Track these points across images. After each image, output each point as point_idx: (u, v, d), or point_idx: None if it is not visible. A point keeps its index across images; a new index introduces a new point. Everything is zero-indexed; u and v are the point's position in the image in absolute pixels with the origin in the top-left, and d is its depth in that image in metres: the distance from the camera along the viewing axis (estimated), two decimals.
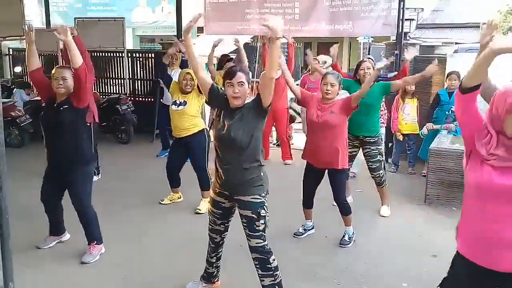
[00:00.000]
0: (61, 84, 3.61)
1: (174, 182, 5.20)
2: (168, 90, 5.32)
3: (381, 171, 4.81)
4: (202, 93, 4.84)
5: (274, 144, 8.06)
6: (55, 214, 4.05)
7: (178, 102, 4.92)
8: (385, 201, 5.02)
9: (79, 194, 3.77)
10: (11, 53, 11.11)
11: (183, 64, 7.41)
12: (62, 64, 7.45)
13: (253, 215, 2.96)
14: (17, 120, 7.66)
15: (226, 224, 3.22)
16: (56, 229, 4.13)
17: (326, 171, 4.12)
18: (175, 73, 7.20)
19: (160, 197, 5.29)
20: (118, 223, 4.68)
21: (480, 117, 2.02)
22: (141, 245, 4.22)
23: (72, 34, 3.60)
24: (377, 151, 4.77)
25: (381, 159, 4.82)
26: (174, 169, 5.11)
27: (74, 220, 3.92)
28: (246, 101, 2.95)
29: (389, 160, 6.82)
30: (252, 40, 19.21)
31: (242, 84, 2.86)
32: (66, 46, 3.50)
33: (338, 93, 4.03)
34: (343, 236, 4.25)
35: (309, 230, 4.48)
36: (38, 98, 8.37)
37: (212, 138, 3.40)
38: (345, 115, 3.99)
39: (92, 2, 11.79)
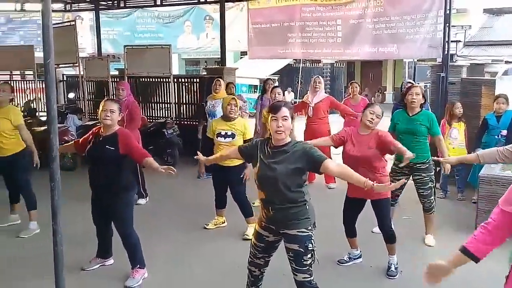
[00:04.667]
0: (108, 116, 3.79)
1: (221, 203, 5.24)
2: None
3: (431, 197, 4.68)
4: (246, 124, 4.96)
5: None
6: (105, 238, 4.20)
7: (224, 133, 4.92)
8: (431, 229, 4.85)
9: (119, 219, 3.92)
10: (65, 79, 11.71)
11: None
12: (113, 90, 7.76)
13: (301, 249, 2.92)
14: None
15: (266, 259, 3.19)
16: (103, 252, 4.26)
17: (369, 200, 4.06)
18: (218, 106, 7.19)
19: (204, 221, 5.35)
20: (162, 247, 4.78)
21: None
22: (184, 271, 4.27)
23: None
24: (428, 178, 4.63)
25: (432, 185, 4.68)
26: (221, 192, 5.16)
27: (119, 244, 4.03)
28: (292, 143, 2.94)
29: (437, 185, 6.61)
30: (295, 61, 19.40)
31: (285, 119, 2.87)
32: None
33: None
34: (389, 267, 4.14)
35: (355, 259, 4.39)
36: (90, 123, 8.78)
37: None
38: (382, 153, 3.94)
39: (140, 30, 12.28)
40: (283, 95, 7.21)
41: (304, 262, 2.93)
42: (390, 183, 4.05)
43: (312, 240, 2.95)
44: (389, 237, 4.11)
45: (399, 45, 7.63)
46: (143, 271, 4.02)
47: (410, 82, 6.30)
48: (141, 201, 6.19)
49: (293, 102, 7.95)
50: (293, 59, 17.43)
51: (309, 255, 2.93)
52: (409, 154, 3.84)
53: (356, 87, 7.57)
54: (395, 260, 4.16)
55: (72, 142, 4.17)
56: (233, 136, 4.89)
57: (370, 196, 3.97)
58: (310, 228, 2.96)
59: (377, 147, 3.87)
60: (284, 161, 2.87)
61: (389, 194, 4.02)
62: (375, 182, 3.78)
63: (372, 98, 19.38)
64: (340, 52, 8.61)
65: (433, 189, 4.69)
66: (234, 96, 5.01)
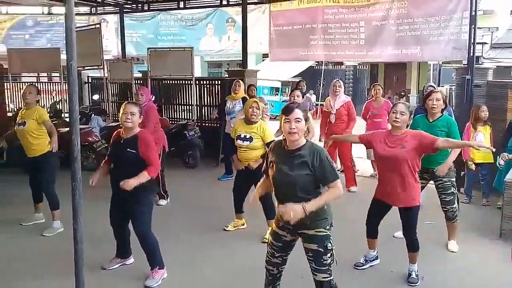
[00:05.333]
0: (128, 119, 3.85)
1: (240, 207, 5.23)
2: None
3: (454, 205, 4.54)
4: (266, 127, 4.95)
5: (338, 170, 7.91)
6: (122, 238, 4.24)
7: (244, 136, 4.92)
8: (454, 235, 4.74)
9: (138, 220, 3.95)
10: (90, 81, 11.93)
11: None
12: (136, 91, 7.82)
13: (320, 249, 2.94)
14: (94, 145, 8.14)
15: (284, 257, 3.19)
16: (122, 252, 4.31)
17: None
18: (237, 106, 7.33)
19: (224, 223, 5.36)
20: (182, 248, 4.80)
21: None
22: (203, 272, 4.28)
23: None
24: (450, 183, 4.51)
25: (454, 191, 4.55)
26: (240, 197, 5.13)
27: (139, 244, 4.05)
28: (308, 146, 2.94)
29: (461, 190, 6.49)
30: (317, 63, 19.32)
31: (299, 121, 2.87)
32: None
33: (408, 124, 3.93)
34: (410, 274, 4.05)
35: (372, 261, 4.32)
36: (114, 124, 8.91)
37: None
38: (418, 154, 3.83)
39: (163, 33, 12.48)
40: (302, 97, 7.19)
41: (324, 262, 2.95)
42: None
43: (331, 240, 2.97)
44: (413, 246, 4.00)
45: (422, 47, 7.52)
46: (163, 271, 4.05)
47: (431, 86, 6.20)
48: (162, 202, 6.25)
49: (314, 105, 7.92)
50: (315, 62, 17.36)
51: (328, 255, 2.95)
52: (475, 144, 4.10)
53: (379, 90, 7.48)
54: (416, 267, 4.06)
55: (103, 164, 4.16)
56: (250, 139, 4.88)
57: (399, 203, 3.91)
58: (328, 227, 2.98)
59: (415, 149, 3.78)
60: (300, 167, 2.87)
61: (418, 201, 3.93)
62: (412, 186, 3.83)
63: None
64: (363, 54, 8.54)
65: (455, 196, 4.57)
66: (256, 99, 5.00)
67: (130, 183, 3.71)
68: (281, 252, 3.15)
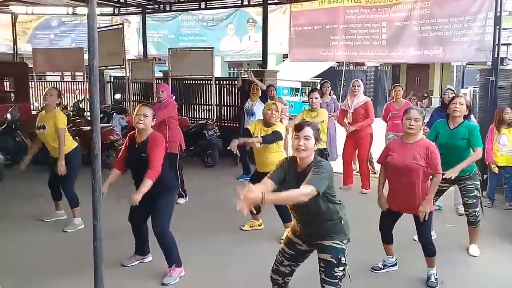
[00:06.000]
0: (141, 120, 3.90)
1: (256, 210, 5.18)
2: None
3: (477, 209, 4.43)
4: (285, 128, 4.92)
5: (354, 170, 7.81)
6: (140, 235, 4.30)
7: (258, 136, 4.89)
8: (475, 239, 4.63)
9: (158, 219, 3.98)
10: (112, 81, 12.12)
11: (263, 95, 7.69)
12: (157, 87, 7.89)
13: (333, 260, 2.88)
14: (115, 144, 8.26)
15: (293, 267, 3.11)
16: (141, 249, 4.36)
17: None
18: (256, 105, 7.47)
19: (241, 222, 5.38)
20: (199, 246, 4.82)
21: None
22: (221, 270, 4.30)
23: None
24: (473, 185, 4.41)
25: (478, 194, 4.45)
26: None
27: (157, 242, 4.09)
28: (315, 163, 2.87)
29: (484, 194, 6.37)
30: (337, 64, 19.19)
31: (308, 138, 2.85)
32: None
33: (422, 130, 3.86)
34: (429, 277, 3.99)
35: (390, 266, 4.27)
36: None
37: None
38: (427, 165, 3.75)
39: (184, 33, 12.58)
40: (323, 98, 7.17)
41: (335, 274, 2.88)
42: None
43: (345, 255, 2.92)
44: (429, 250, 3.94)
45: (445, 48, 7.41)
46: (180, 269, 4.08)
47: (450, 89, 6.08)
48: (181, 201, 6.30)
49: (338, 107, 7.88)
50: (336, 62, 17.25)
51: (340, 268, 2.88)
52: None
53: (399, 91, 7.40)
54: (434, 271, 4.00)
55: (114, 168, 4.18)
56: None
57: (410, 211, 3.86)
58: (345, 242, 2.94)
59: (425, 161, 3.72)
60: None
61: (432, 207, 3.87)
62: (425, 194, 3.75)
63: (418, 103, 18.84)
64: (385, 55, 8.45)
65: (479, 200, 4.46)
66: (275, 102, 5.00)
67: (136, 198, 3.72)
68: (291, 261, 3.09)
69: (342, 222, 2.95)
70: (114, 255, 4.30)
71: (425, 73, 22.60)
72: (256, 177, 5.11)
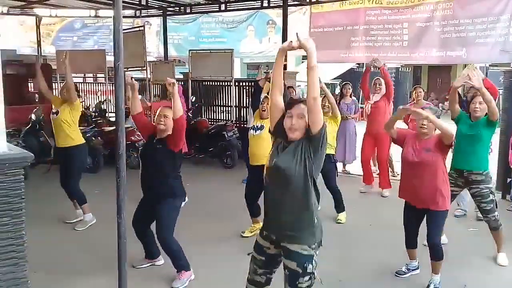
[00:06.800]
0: (161, 121, 3.91)
1: (254, 211, 5.07)
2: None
3: (496, 213, 4.31)
4: None
5: (374, 173, 7.73)
6: (145, 240, 4.24)
7: (256, 126, 4.86)
8: (502, 247, 4.46)
9: (161, 226, 3.95)
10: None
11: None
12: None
13: (298, 269, 2.55)
14: (136, 144, 8.36)
15: (268, 275, 2.77)
16: (149, 253, 4.33)
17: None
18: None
19: (243, 226, 5.21)
20: (198, 249, 4.62)
21: None
22: (229, 275, 4.14)
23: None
24: (487, 189, 4.28)
25: (493, 198, 4.32)
26: (252, 199, 4.98)
27: None
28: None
29: (507, 197, 6.25)
30: (357, 65, 19.07)
31: (301, 117, 2.54)
32: (172, 98, 3.83)
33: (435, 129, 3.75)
34: (428, 286, 3.87)
35: (413, 270, 4.20)
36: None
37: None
38: (441, 153, 3.70)
39: (204, 35, 12.66)
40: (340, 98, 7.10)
41: (299, 285, 2.55)
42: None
43: (313, 262, 2.58)
44: (436, 253, 3.82)
45: (468, 49, 7.31)
46: (189, 273, 4.03)
47: (473, 87, 5.96)
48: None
49: (358, 109, 7.83)
50: (356, 64, 17.16)
51: (306, 278, 2.55)
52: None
53: (420, 92, 7.31)
54: (437, 280, 3.87)
55: (141, 111, 4.12)
56: (262, 128, 4.81)
57: (423, 204, 3.78)
58: (313, 246, 2.59)
59: (437, 144, 3.66)
60: (293, 151, 2.55)
61: (446, 206, 3.77)
62: (438, 189, 3.68)
63: (440, 105, 18.57)
64: (406, 56, 8.39)
65: (495, 202, 4.32)
66: (267, 95, 4.81)
67: (170, 80, 3.77)
68: (265, 269, 2.75)
69: (315, 220, 2.60)
70: (103, 260, 4.28)
71: (447, 75, 22.26)
72: (252, 175, 4.98)
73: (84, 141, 5.52)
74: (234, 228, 5.30)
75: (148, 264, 4.35)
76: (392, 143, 6.93)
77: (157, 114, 4.00)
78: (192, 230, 5.14)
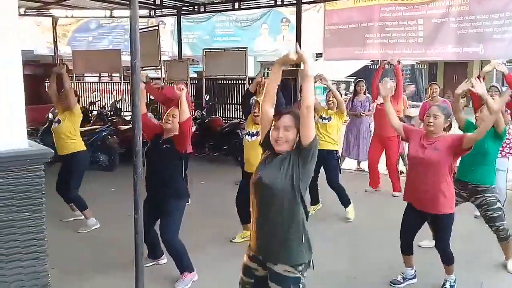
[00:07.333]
0: (169, 120, 3.96)
1: (245, 217, 4.77)
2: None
3: (504, 222, 4.10)
4: None
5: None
6: (148, 239, 4.14)
7: (251, 132, 4.64)
8: (511, 254, 4.26)
9: (166, 227, 3.92)
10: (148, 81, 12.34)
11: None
12: (191, 91, 8.06)
13: None
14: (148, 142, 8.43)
15: None
16: (152, 252, 4.32)
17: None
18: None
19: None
20: (206, 254, 4.59)
21: None
22: (229, 277, 4.13)
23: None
24: (494, 198, 4.07)
25: (501, 206, 4.12)
26: (243, 205, 4.67)
27: None
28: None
29: None
30: (372, 62, 18.96)
31: (287, 129, 2.42)
32: (180, 101, 3.86)
33: (445, 128, 3.62)
34: (444, 284, 3.79)
35: (409, 279, 3.98)
36: None
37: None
38: (453, 155, 3.53)
39: (218, 34, 12.72)
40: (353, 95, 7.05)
41: None
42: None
43: (300, 285, 2.42)
44: (447, 258, 3.71)
45: (485, 45, 7.21)
46: (192, 275, 4.01)
47: (494, 86, 5.89)
48: None
49: (371, 108, 7.76)
50: (371, 61, 17.05)
51: None
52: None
53: (435, 89, 7.25)
54: (452, 278, 3.78)
55: (146, 111, 4.18)
56: (257, 134, 4.53)
57: (428, 209, 3.62)
58: (300, 269, 2.43)
59: (448, 148, 3.50)
60: (280, 164, 2.44)
61: (451, 210, 3.59)
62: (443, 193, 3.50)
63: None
64: (422, 53, 8.31)
65: (503, 211, 4.11)
66: (259, 99, 4.54)
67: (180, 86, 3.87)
68: None
69: (303, 238, 2.44)
70: (128, 256, 4.27)
71: (463, 71, 21.99)
72: (246, 181, 4.72)
73: (85, 149, 5.40)
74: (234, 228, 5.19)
75: (151, 264, 4.31)
76: (400, 144, 6.89)
77: (166, 114, 4.04)
78: (200, 229, 5.13)
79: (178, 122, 3.90)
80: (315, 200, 5.83)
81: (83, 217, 5.41)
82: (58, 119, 5.24)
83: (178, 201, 4.01)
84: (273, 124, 2.48)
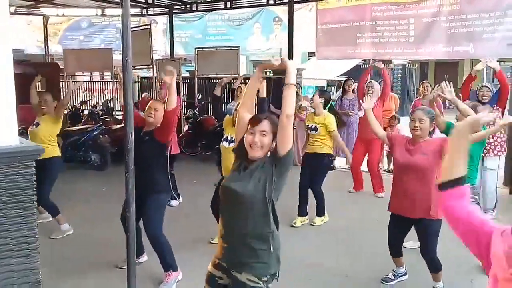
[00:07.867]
0: (151, 113, 3.94)
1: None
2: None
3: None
4: None
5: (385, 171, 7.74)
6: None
7: (229, 138, 4.44)
8: None
9: (148, 221, 3.88)
10: (139, 80, 12.32)
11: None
12: (184, 90, 8.05)
13: None
14: None
15: None
16: (136, 250, 4.25)
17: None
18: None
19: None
20: (190, 250, 4.54)
21: None
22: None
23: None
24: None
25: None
26: (215, 211, 4.45)
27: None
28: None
29: None
30: (364, 62, 19.03)
31: (264, 134, 2.36)
32: (169, 89, 3.82)
33: (431, 131, 3.61)
34: None
35: (400, 276, 4.03)
36: None
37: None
38: (441, 159, 3.42)
39: (211, 33, 12.71)
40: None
41: None
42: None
43: None
44: (434, 266, 3.67)
45: (475, 44, 7.26)
46: (176, 274, 3.95)
47: (485, 87, 5.95)
48: (174, 203, 6.13)
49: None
50: (363, 60, 17.12)
51: None
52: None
53: (427, 86, 7.32)
54: (441, 285, 3.75)
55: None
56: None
57: (415, 214, 3.58)
58: (265, 279, 2.35)
59: (437, 153, 3.44)
60: (252, 172, 2.37)
61: (440, 215, 3.49)
62: (431, 197, 3.43)
63: (447, 101, 18.46)
64: (413, 52, 8.34)
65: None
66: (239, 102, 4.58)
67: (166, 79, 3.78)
68: None
69: (271, 248, 2.37)
70: (108, 258, 4.28)
71: (454, 71, 22.15)
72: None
73: (60, 155, 5.28)
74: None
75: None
76: (383, 148, 6.92)
77: (147, 107, 4.01)
78: (193, 229, 5.10)
79: (164, 109, 3.86)
80: (302, 212, 5.53)
81: (50, 219, 5.24)
82: (37, 122, 5.13)
83: (158, 197, 3.96)
84: (248, 128, 2.41)
